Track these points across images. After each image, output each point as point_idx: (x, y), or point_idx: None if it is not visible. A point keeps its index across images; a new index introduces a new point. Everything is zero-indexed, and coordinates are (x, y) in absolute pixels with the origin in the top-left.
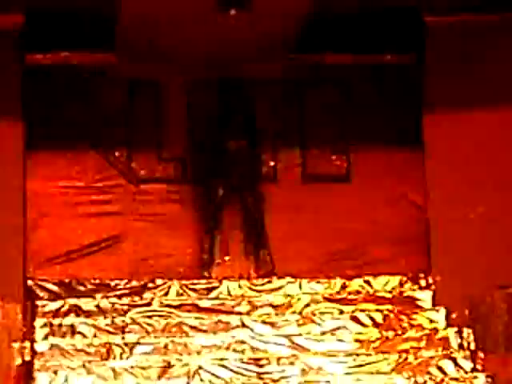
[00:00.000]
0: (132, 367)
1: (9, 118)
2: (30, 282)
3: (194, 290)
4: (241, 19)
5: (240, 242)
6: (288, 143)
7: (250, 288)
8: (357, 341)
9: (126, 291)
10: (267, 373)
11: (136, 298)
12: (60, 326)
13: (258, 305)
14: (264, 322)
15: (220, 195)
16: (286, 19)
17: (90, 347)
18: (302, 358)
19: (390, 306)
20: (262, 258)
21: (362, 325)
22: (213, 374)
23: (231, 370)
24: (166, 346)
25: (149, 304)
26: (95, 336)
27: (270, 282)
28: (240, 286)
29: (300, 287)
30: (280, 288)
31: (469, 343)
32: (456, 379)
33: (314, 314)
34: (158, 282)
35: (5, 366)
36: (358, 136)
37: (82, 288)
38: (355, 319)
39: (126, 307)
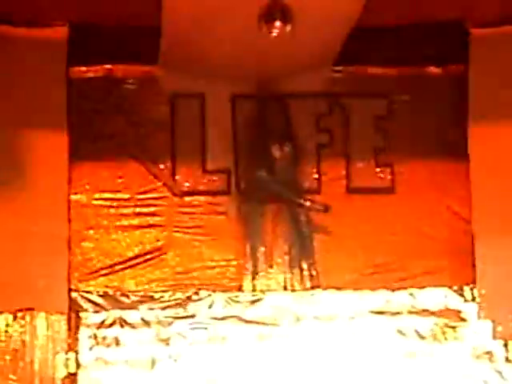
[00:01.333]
0: (177, 380)
1: (54, 130)
2: (74, 294)
3: (238, 302)
4: (284, 32)
5: (284, 253)
6: (332, 155)
7: (294, 300)
8: (402, 354)
9: (171, 303)
10: None
11: (180, 310)
12: (104, 337)
13: (302, 317)
14: (308, 335)
15: (264, 207)
16: (330, 32)
17: (135, 359)
18: (347, 371)
19: (435, 319)
20: (308, 270)
21: (407, 338)
22: None
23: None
24: (210, 359)
25: (193, 316)
26: (139, 348)
27: (313, 294)
28: (284, 298)
29: (344, 300)
30: (324, 301)
31: None
32: None
33: (359, 327)
34: (202, 294)
35: (49, 378)
36: (402, 148)
37: (126, 300)
38: (400, 332)
39: (170, 319)
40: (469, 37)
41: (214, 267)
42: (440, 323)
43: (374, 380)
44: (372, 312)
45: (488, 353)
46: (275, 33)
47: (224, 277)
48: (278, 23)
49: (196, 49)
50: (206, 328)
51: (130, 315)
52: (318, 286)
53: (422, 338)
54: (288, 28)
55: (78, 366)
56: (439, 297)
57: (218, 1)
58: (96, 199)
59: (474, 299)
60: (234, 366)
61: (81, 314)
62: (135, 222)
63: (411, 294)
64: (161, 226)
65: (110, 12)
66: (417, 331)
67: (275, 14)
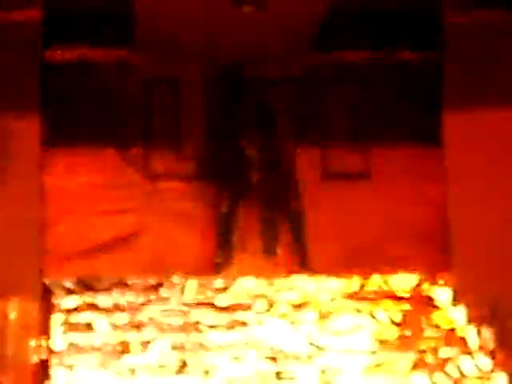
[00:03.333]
0: (149, 365)
1: (27, 114)
2: (46, 280)
3: (211, 288)
4: (257, 17)
5: (258, 239)
6: (307, 141)
7: (268, 286)
8: (375, 339)
9: (143, 288)
10: (285, 371)
11: (153, 296)
12: (77, 323)
13: (276, 302)
14: (282, 320)
15: (237, 192)
16: (303, 17)
17: (107, 345)
18: (319, 357)
19: (408, 305)
20: (283, 255)
21: (380, 323)
22: (229, 373)
23: (248, 369)
24: (182, 344)
25: (165, 301)
26: (112, 333)
27: (287, 279)
28: (257, 284)
29: (318, 285)
30: (298, 286)
31: (488, 342)
32: (475, 379)
33: (332, 313)
34: (175, 279)
35: (21, 364)
36: (378, 134)
37: (98, 285)
38: (373, 317)
39: (142, 305)
40: (443, 22)
41: (187, 253)
42: (413, 309)
43: (346, 366)
44: (346, 297)
45: (461, 338)
46: (245, 17)
47: (197, 262)
48: (247, 8)
49: (169, 33)
50: (178, 314)
51: (103, 300)
52: (293, 271)
53: (396, 324)
54: (260, 14)
55: (51, 352)
56: (413, 282)
57: None
58: (69, 184)
59: (447, 285)
60: (206, 351)
61: (53, 300)
62: (108, 207)
63: (385, 280)
64: (134, 211)
65: None
66: (390, 317)
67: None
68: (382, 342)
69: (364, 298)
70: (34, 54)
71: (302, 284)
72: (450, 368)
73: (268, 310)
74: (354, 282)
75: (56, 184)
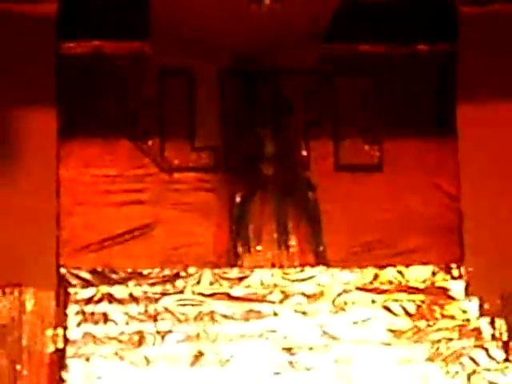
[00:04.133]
0: (164, 355)
1: (43, 107)
2: (62, 270)
3: (227, 279)
4: (273, 8)
5: (273, 231)
6: (320, 133)
7: (283, 277)
8: (389, 330)
9: (159, 279)
10: (299, 361)
11: (168, 287)
12: (92, 313)
13: (290, 294)
14: (296, 311)
15: (252, 184)
16: (316, 9)
17: (123, 335)
18: (333, 347)
19: (422, 296)
20: (297, 247)
21: (394, 315)
22: (245, 363)
23: (263, 359)
24: (198, 335)
25: (181, 292)
26: (127, 324)
27: (302, 271)
28: (272, 275)
29: (332, 276)
30: (312, 277)
31: (501, 333)
32: (488, 369)
33: (346, 304)
34: (191, 270)
35: (38, 354)
36: (391, 125)
37: (114, 276)
38: (387, 309)
39: (158, 295)
40: (458, 14)
41: (202, 244)
42: (427, 301)
43: (360, 357)
44: (359, 289)
45: (475, 330)
46: (264, 9)
47: (212, 254)
48: (267, 0)
49: (184, 25)
50: (193, 304)
51: (119, 291)
52: (307, 263)
53: (410, 315)
54: (277, 4)
55: (66, 341)
56: (427, 274)
57: None
58: (84, 175)
59: (461, 277)
60: (222, 342)
61: (69, 290)
62: (124, 198)
63: (399, 272)
64: (149, 202)
65: None
66: (404, 308)
67: None
68: (395, 333)
69: (378, 290)
70: (50, 46)
71: (316, 275)
72: (464, 359)
73: (283, 301)
74: (367, 274)
75: (71, 176)
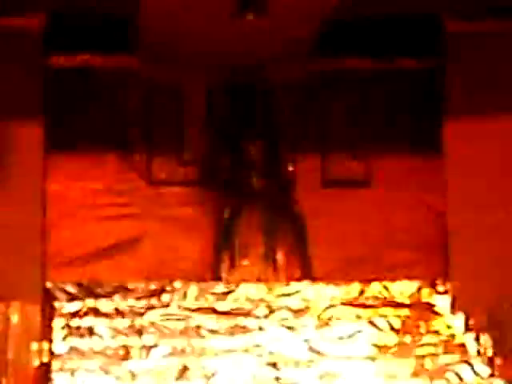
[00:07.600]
0: (149, 369)
1: (30, 120)
2: (48, 284)
3: (212, 293)
4: (259, 23)
5: (259, 245)
6: (307, 148)
7: (268, 292)
8: (374, 346)
9: (144, 294)
10: (285, 376)
11: (154, 301)
12: (78, 327)
13: (276, 308)
14: (282, 326)
15: (239, 199)
16: (304, 23)
17: (108, 349)
18: (319, 362)
19: (407, 311)
20: (283, 262)
21: (380, 330)
22: (230, 377)
23: (248, 374)
24: (183, 349)
25: (167, 306)
26: (113, 338)
27: (287, 285)
28: (258, 290)
29: (318, 291)
30: (298, 292)
31: (486, 349)
32: None
33: (332, 319)
34: (176, 284)
35: (23, 367)
36: (378, 141)
37: (100, 290)
38: (373, 324)
39: (143, 310)
40: (444, 31)
41: (188, 258)
42: (413, 316)
43: (346, 372)
44: (345, 304)
45: (460, 345)
46: (248, 25)
47: (198, 268)
48: (250, 16)
49: (172, 40)
50: (179, 319)
51: (104, 305)
52: (293, 278)
53: (395, 330)
54: (261, 20)
55: (52, 355)
56: (412, 289)
57: None
58: (71, 189)
59: (446, 292)
60: (207, 356)
61: (55, 304)
62: (110, 212)
63: (385, 287)
64: (136, 216)
65: (88, 2)
66: (390, 323)
67: (249, 5)
68: (381, 348)
69: (363, 305)
70: (37, 60)
71: (302, 290)
72: (449, 374)
73: (268, 316)
74: (353, 289)
75: (59, 189)
